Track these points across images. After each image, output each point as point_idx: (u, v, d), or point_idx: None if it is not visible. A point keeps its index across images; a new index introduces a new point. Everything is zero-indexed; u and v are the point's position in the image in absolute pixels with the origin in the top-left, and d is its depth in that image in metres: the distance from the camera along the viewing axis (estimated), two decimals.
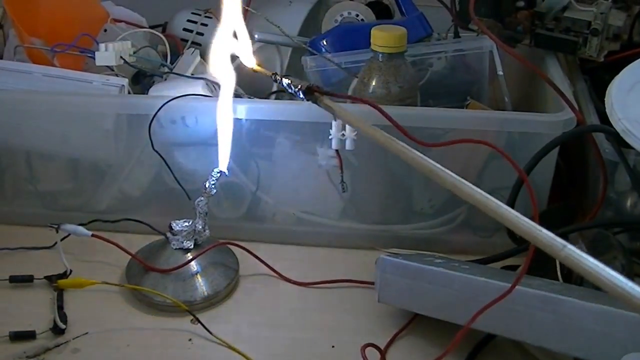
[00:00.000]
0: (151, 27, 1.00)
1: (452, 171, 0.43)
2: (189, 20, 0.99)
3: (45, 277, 0.74)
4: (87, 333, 0.68)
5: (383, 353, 0.65)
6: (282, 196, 0.81)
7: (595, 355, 0.55)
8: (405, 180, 0.80)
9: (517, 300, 0.58)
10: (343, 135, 0.72)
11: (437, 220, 0.81)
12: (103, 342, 0.67)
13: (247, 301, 0.74)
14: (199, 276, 0.73)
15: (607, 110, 0.73)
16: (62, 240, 0.76)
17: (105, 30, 0.94)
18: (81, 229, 0.75)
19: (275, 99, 0.89)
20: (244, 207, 0.82)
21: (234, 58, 0.61)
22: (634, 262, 0.72)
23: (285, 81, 0.57)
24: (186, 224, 0.74)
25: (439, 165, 0.44)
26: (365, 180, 0.80)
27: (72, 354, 0.65)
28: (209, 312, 0.71)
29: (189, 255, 0.74)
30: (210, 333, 0.67)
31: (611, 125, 0.72)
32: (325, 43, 0.89)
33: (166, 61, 0.90)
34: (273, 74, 0.59)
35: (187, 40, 0.98)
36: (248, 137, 0.77)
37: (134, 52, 0.87)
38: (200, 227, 0.73)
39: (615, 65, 0.80)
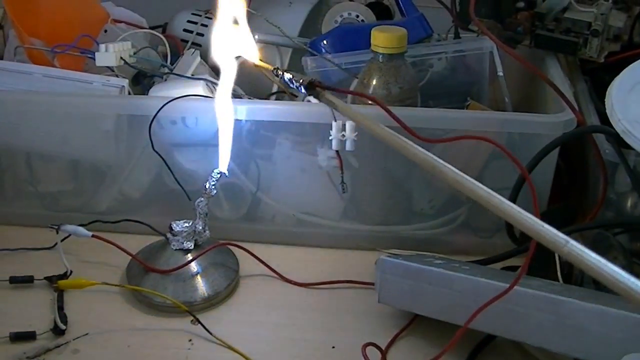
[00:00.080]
0: (151, 28, 1.00)
1: None
2: (189, 21, 0.99)
3: (46, 278, 0.74)
4: (87, 334, 0.68)
5: (384, 353, 0.65)
6: (282, 197, 0.81)
7: (595, 355, 0.55)
8: (406, 181, 0.80)
9: (517, 301, 0.58)
10: (343, 136, 0.72)
11: (437, 220, 0.80)
12: (103, 343, 0.67)
13: (248, 302, 0.74)
14: (199, 277, 0.73)
15: (607, 111, 0.73)
16: (62, 240, 0.76)
17: (106, 31, 0.94)
18: (81, 229, 0.74)
19: (276, 99, 0.89)
20: (244, 208, 0.82)
21: (236, 56, 0.61)
22: (635, 262, 0.72)
23: (287, 76, 0.57)
24: (186, 224, 0.74)
25: (441, 161, 0.44)
26: (366, 181, 0.80)
27: (72, 354, 0.65)
28: (209, 313, 0.71)
29: (189, 256, 0.74)
30: (211, 334, 0.67)
31: (611, 126, 0.71)
32: (325, 44, 0.89)
33: (166, 62, 0.90)
34: (275, 68, 0.59)
35: (187, 41, 0.97)
36: (248, 137, 0.77)
37: (134, 53, 0.87)
38: (201, 227, 0.73)
39: (615, 66, 0.80)
